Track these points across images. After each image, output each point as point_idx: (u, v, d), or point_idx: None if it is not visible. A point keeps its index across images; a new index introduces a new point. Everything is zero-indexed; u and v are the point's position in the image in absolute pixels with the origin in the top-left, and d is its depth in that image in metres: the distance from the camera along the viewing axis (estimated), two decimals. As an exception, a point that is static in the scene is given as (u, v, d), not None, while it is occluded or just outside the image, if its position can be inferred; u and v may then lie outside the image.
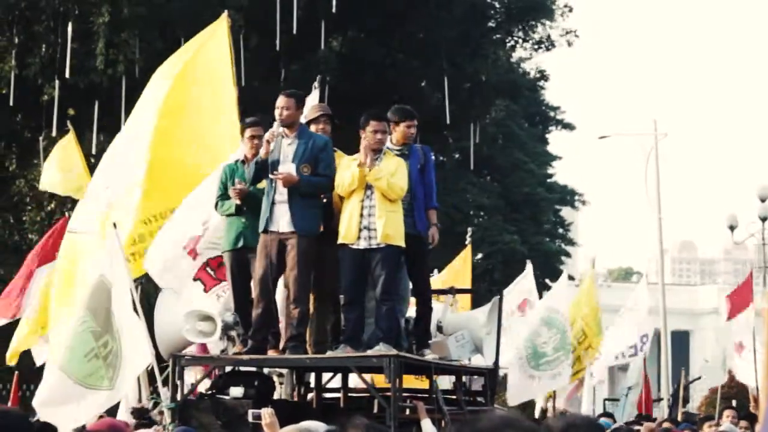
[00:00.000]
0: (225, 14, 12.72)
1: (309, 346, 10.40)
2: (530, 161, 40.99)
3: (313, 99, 12.08)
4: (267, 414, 7.53)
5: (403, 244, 10.08)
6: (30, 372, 28.79)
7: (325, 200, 10.42)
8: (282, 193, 10.05)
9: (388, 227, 9.95)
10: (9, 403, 15.08)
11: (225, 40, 12.52)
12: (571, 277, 41.60)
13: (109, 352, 10.31)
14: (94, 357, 10.34)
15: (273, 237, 10.02)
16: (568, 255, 44.34)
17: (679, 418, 18.87)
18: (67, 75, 23.54)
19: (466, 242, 18.11)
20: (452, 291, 13.19)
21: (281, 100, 10.27)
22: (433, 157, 10.92)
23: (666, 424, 15.60)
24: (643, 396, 20.24)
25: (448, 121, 27.43)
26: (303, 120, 10.62)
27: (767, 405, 2.93)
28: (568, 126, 44.11)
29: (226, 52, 12.44)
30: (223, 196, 10.78)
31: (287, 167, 10.01)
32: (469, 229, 18.69)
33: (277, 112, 10.22)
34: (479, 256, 38.46)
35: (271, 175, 10.03)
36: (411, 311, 11.09)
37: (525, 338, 17.22)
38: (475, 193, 37.50)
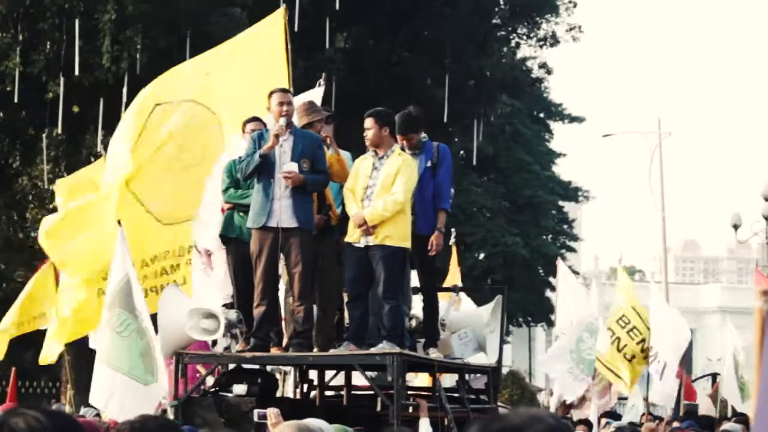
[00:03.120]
0: (282, 8, 12.51)
1: (315, 343, 10.39)
2: (534, 161, 40.96)
3: (316, 96, 12.05)
4: (273, 414, 7.53)
5: (407, 245, 10.04)
6: (30, 367, 28.81)
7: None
8: (284, 189, 10.03)
9: (386, 229, 9.93)
10: (7, 400, 15.07)
11: (281, 35, 12.31)
12: (575, 272, 41.61)
13: (149, 347, 10.42)
14: (145, 354, 10.43)
15: (273, 233, 10.00)
16: (573, 250, 44.28)
17: (681, 412, 18.86)
18: (76, 72, 23.55)
19: (450, 243, 18.03)
20: (456, 289, 13.20)
21: (282, 96, 10.25)
22: (449, 157, 10.86)
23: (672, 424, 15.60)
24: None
25: (445, 119, 27.37)
26: (307, 120, 10.63)
27: (758, 405, 2.91)
28: (576, 119, 44.01)
29: (281, 47, 12.23)
30: (232, 187, 10.73)
31: (291, 166, 10.01)
32: (453, 230, 18.61)
33: (281, 108, 10.17)
34: (481, 256, 38.52)
35: (280, 174, 10.00)
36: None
37: (570, 350, 17.21)
38: (479, 194, 37.49)
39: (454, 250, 17.89)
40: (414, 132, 10.58)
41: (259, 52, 12.27)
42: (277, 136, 10.03)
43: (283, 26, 12.21)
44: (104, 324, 10.62)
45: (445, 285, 15.09)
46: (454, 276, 17.54)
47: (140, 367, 10.39)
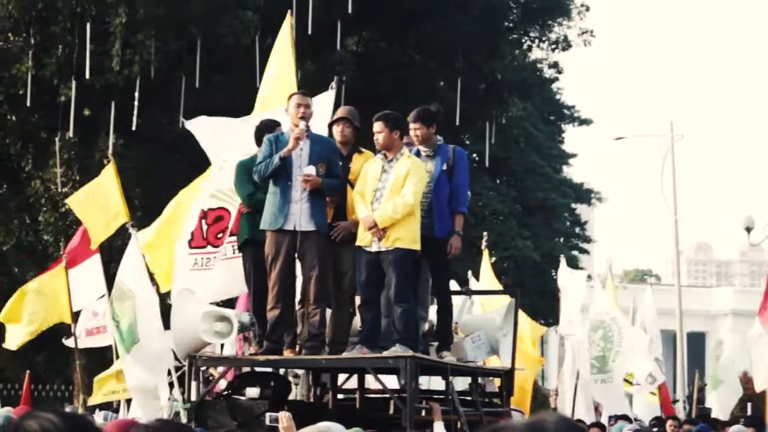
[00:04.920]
0: (288, 13, 13.08)
1: (326, 345, 10.37)
2: (546, 164, 40.88)
3: (328, 98, 12.07)
4: (284, 417, 7.50)
5: (416, 247, 10.03)
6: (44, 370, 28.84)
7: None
8: (302, 192, 10.03)
9: (397, 231, 9.92)
10: (21, 403, 15.12)
11: (288, 41, 12.75)
12: (588, 276, 41.48)
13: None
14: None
15: (289, 236, 10.00)
16: (586, 252, 44.17)
17: (693, 415, 18.84)
18: (87, 75, 23.57)
19: (482, 247, 17.97)
20: (468, 292, 13.17)
21: (301, 98, 10.27)
22: (465, 160, 10.82)
23: (685, 426, 15.58)
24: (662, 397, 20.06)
25: (457, 122, 27.36)
26: (330, 118, 10.69)
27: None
28: (585, 122, 43.98)
29: (289, 52, 12.68)
30: (254, 193, 10.75)
31: (310, 169, 10.02)
32: (485, 233, 18.55)
33: (300, 110, 10.17)
34: (493, 260, 38.42)
35: (300, 177, 9.99)
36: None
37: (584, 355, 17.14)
38: (490, 197, 37.43)
39: (486, 253, 17.86)
40: (426, 123, 10.50)
41: (274, 58, 12.87)
42: (297, 139, 10.03)
43: (289, 30, 12.58)
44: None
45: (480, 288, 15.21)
46: (488, 281, 17.48)
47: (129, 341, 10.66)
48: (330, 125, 10.77)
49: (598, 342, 17.20)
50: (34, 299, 15.32)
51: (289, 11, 13.30)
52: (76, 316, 15.09)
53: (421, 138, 10.48)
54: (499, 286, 16.85)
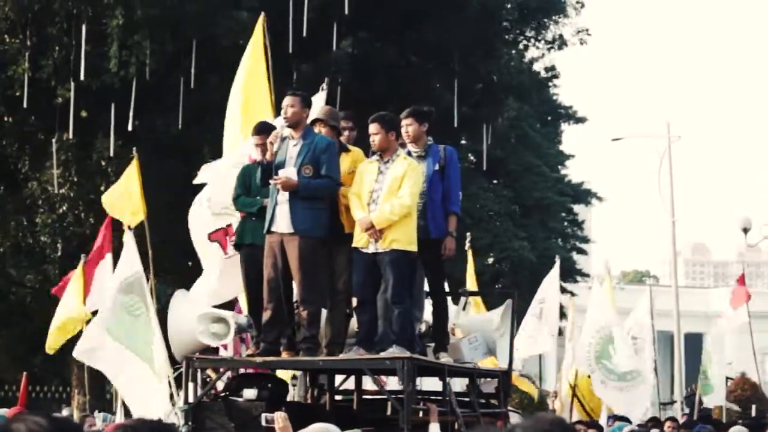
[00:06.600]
0: (261, 16, 13.21)
1: (322, 347, 10.36)
2: (542, 164, 40.85)
3: (319, 99, 12.07)
4: (280, 418, 7.48)
5: (413, 248, 10.01)
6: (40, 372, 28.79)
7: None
8: (284, 194, 10.04)
9: (394, 232, 9.90)
10: (18, 404, 15.11)
11: (260, 40, 12.97)
12: (585, 275, 41.48)
13: (154, 341, 10.69)
14: (148, 344, 10.67)
15: (275, 238, 10.04)
16: (584, 253, 44.13)
17: (695, 416, 18.84)
18: (81, 77, 23.54)
19: (465, 248, 17.92)
20: (464, 293, 13.17)
21: (286, 99, 10.29)
22: (457, 159, 10.78)
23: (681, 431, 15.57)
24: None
25: (455, 124, 27.36)
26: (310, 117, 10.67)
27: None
28: (581, 120, 43.96)
29: (260, 52, 12.93)
30: (243, 195, 10.80)
31: (287, 171, 9.99)
32: (468, 234, 18.51)
33: (282, 112, 10.25)
34: (490, 260, 38.37)
35: (270, 180, 10.01)
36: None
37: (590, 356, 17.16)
38: (487, 198, 37.40)
39: (470, 255, 17.80)
40: (418, 120, 10.46)
41: (247, 61, 13.12)
42: (270, 143, 10.07)
43: (262, 31, 12.73)
44: (117, 305, 10.82)
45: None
46: (471, 281, 17.45)
47: (145, 352, 10.66)
48: (312, 122, 10.76)
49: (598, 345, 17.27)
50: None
51: (262, 13, 13.35)
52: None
53: (411, 135, 10.44)
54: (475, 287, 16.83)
